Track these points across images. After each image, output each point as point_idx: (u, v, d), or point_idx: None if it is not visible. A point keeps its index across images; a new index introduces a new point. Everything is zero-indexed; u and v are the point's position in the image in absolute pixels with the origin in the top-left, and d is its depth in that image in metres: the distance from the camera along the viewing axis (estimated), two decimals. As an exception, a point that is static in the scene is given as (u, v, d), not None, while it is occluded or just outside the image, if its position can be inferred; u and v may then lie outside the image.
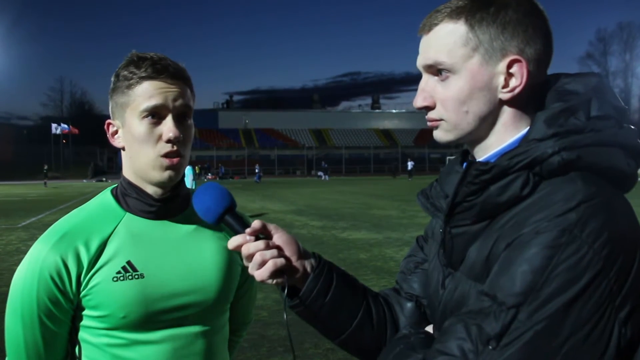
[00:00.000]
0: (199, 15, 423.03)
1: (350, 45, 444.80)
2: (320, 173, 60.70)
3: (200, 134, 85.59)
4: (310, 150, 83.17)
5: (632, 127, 0.98)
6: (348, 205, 21.39)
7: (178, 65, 1.35)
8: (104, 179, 55.28)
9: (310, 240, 11.97)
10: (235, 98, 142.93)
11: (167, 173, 1.32)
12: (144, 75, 1.30)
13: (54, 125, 72.19)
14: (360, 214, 17.74)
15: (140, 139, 1.31)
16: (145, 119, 1.30)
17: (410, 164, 54.11)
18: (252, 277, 1.14)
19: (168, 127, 1.30)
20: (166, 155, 1.31)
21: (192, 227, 1.43)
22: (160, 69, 1.30)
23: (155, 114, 1.31)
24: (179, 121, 1.33)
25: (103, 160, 74.75)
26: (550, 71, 1.05)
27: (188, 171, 17.22)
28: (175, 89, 1.32)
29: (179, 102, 1.32)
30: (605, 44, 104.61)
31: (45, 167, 51.78)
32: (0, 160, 65.61)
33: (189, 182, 16.90)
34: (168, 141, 1.30)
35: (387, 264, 9.07)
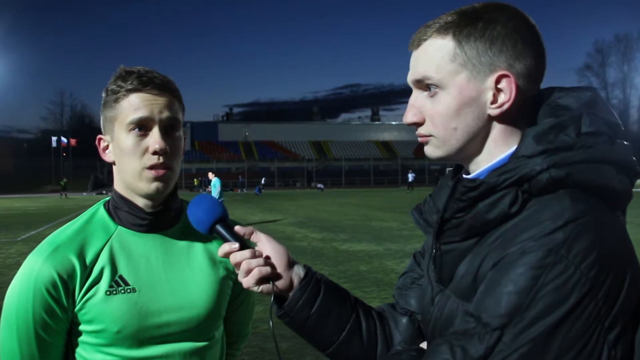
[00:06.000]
0: (199, 28, 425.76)
1: (349, 57, 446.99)
2: (319, 185, 60.96)
3: (200, 146, 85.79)
4: (310, 162, 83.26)
5: (625, 142, 0.96)
6: (348, 217, 21.37)
7: (165, 77, 1.35)
8: (104, 192, 55.22)
9: (311, 252, 11.83)
10: (235, 110, 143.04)
11: (155, 185, 1.32)
12: (130, 87, 1.30)
13: (53, 139, 72.44)
14: (360, 226, 17.71)
15: (127, 152, 1.31)
16: (132, 131, 1.30)
17: (410, 176, 54.21)
18: (247, 290, 1.17)
19: (154, 139, 1.30)
20: (152, 167, 1.30)
21: (183, 240, 1.42)
22: (146, 81, 1.31)
23: (142, 126, 1.30)
24: (166, 133, 1.32)
25: (103, 173, 74.76)
26: (549, 83, 1.04)
27: (217, 182, 17.59)
28: (162, 101, 1.31)
29: (165, 114, 1.31)
30: (603, 55, 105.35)
31: (64, 180, 52.22)
32: (0, 174, 65.64)
33: (215, 193, 17.25)
34: (154, 153, 1.30)
35: (388, 275, 9.03)
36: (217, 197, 15.49)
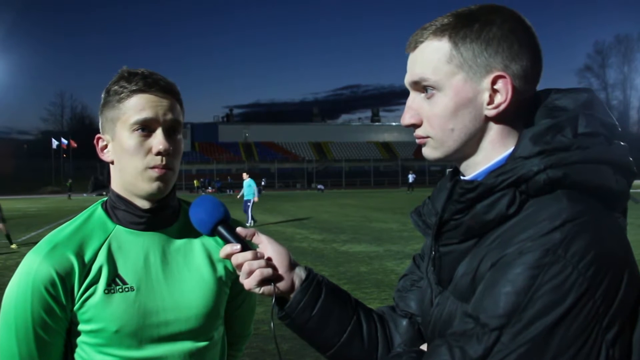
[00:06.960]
0: (199, 30, 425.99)
1: (350, 58, 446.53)
2: (319, 186, 61.00)
3: (200, 147, 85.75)
4: (310, 163, 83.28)
5: (622, 143, 0.96)
6: (348, 218, 21.36)
7: (168, 80, 1.37)
8: (104, 193, 55.14)
9: (311, 253, 11.81)
10: (236, 111, 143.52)
11: (156, 184, 1.33)
12: (135, 88, 1.32)
13: (54, 140, 72.61)
14: (360, 227, 17.70)
15: (130, 152, 1.33)
16: (136, 131, 1.32)
17: (411, 177, 54.26)
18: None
19: (158, 140, 1.32)
20: (155, 167, 1.32)
21: (181, 239, 1.43)
22: (151, 83, 1.33)
23: (146, 127, 1.32)
24: (168, 135, 1.34)
25: (103, 174, 74.67)
26: (549, 85, 1.05)
27: (251, 182, 18.44)
28: (166, 103, 1.34)
29: (169, 116, 1.34)
30: (603, 56, 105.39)
31: (70, 181, 52.29)
32: (0, 175, 65.66)
33: (251, 194, 18.24)
34: (158, 153, 1.32)
35: (388, 277, 9.03)
36: (249, 197, 16.22)
